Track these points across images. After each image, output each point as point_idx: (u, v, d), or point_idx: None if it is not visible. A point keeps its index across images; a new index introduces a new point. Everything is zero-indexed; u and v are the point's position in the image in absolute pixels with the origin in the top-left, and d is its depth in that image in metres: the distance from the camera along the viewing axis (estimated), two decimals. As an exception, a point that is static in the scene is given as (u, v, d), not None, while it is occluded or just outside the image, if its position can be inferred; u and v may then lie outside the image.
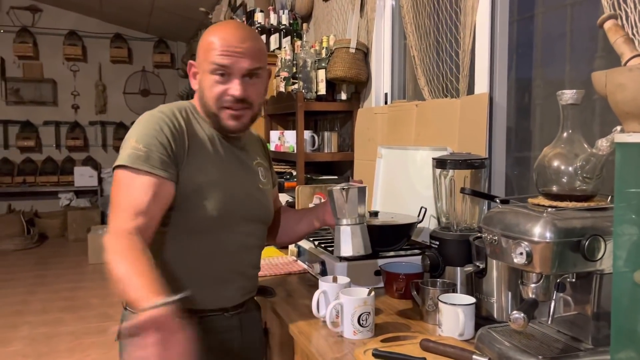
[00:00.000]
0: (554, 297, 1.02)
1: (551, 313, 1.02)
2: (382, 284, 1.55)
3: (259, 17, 3.16)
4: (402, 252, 1.67)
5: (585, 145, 1.02)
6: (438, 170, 1.46)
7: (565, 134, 1.04)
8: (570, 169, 1.00)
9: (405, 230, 1.68)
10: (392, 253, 1.65)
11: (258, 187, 1.37)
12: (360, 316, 1.22)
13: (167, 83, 8.01)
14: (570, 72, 1.56)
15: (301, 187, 2.33)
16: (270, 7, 3.27)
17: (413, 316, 1.38)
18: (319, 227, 1.51)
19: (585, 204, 1.00)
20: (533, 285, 1.01)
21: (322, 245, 1.75)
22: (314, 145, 2.60)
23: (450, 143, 1.75)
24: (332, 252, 1.63)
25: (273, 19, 3.15)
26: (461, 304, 1.22)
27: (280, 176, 2.71)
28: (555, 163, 1.02)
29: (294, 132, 2.56)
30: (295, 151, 2.53)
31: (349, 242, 1.37)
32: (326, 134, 2.62)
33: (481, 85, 1.76)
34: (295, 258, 1.94)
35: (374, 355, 1.09)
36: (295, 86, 2.63)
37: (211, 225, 1.24)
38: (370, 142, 2.32)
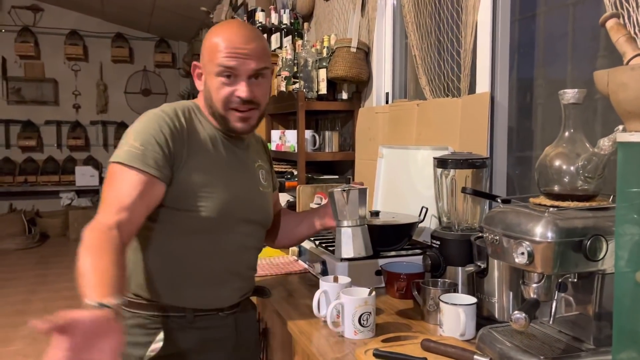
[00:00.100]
0: (555, 297, 1.02)
1: (553, 313, 1.02)
2: (383, 284, 1.55)
3: (260, 16, 3.16)
4: (403, 252, 1.67)
5: (587, 145, 1.01)
6: (439, 170, 1.46)
7: (567, 134, 1.03)
8: (572, 168, 1.00)
9: (407, 230, 1.68)
10: (393, 253, 1.65)
11: (258, 190, 1.37)
12: (361, 316, 1.21)
13: (168, 83, 8.01)
14: (572, 72, 1.55)
15: (302, 186, 2.33)
16: (272, 7, 3.27)
17: (414, 316, 1.38)
18: (320, 230, 1.50)
19: (587, 204, 1.00)
20: (534, 285, 1.01)
21: (323, 245, 1.75)
22: (315, 144, 2.60)
23: (451, 142, 1.75)
24: (333, 251, 1.63)
25: (274, 19, 3.15)
26: (462, 304, 1.22)
27: (281, 176, 2.71)
28: (557, 163, 1.02)
29: (295, 131, 2.55)
30: (296, 151, 2.53)
31: (350, 243, 1.37)
32: (327, 133, 2.62)
33: (482, 84, 1.76)
34: (296, 258, 1.94)
35: (374, 355, 1.08)
36: (296, 85, 2.63)
37: (210, 226, 1.24)
38: (371, 142, 2.32)
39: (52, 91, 7.44)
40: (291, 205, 2.42)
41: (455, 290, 1.34)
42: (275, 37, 3.13)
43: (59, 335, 0.77)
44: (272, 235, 1.54)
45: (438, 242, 1.42)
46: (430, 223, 1.71)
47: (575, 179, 1.00)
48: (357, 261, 1.53)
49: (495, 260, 1.23)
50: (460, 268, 1.37)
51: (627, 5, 1.20)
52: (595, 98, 1.40)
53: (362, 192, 1.39)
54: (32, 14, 7.23)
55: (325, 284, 1.33)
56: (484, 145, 1.63)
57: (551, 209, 0.98)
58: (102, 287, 0.91)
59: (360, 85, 2.54)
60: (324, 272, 1.61)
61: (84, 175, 7.14)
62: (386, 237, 1.65)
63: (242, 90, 1.23)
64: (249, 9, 3.61)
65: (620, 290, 0.84)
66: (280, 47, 3.06)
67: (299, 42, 2.76)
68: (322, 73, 2.49)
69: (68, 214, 6.96)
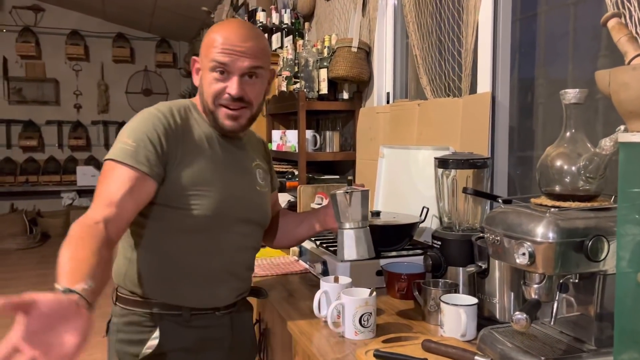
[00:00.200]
0: (556, 298, 1.01)
1: (554, 314, 1.02)
2: (383, 284, 1.55)
3: (260, 16, 3.16)
4: (404, 252, 1.67)
5: (589, 145, 1.01)
6: (440, 170, 1.45)
7: (568, 134, 1.03)
8: (573, 168, 0.99)
9: (407, 230, 1.68)
10: (394, 253, 1.65)
11: (255, 189, 1.36)
12: (361, 316, 1.21)
13: (169, 83, 8.02)
14: (574, 71, 1.55)
15: (303, 186, 2.33)
16: (272, 6, 3.27)
17: (415, 317, 1.37)
18: (320, 231, 1.50)
19: (589, 204, 0.99)
20: (536, 285, 1.01)
21: (324, 245, 1.75)
22: (315, 144, 2.59)
23: (452, 142, 1.74)
24: (334, 252, 1.63)
25: (275, 18, 3.15)
26: (463, 305, 1.21)
27: (282, 176, 2.71)
28: (558, 163, 1.01)
29: (296, 131, 2.55)
30: (297, 151, 2.53)
31: (353, 246, 1.37)
32: (328, 133, 2.62)
33: (484, 84, 1.75)
34: (296, 258, 1.94)
35: (375, 356, 1.08)
36: (297, 85, 2.63)
37: (206, 225, 1.24)
38: (372, 142, 2.32)
39: (53, 91, 7.44)
40: (292, 206, 2.42)
41: (456, 291, 1.34)
42: (276, 37, 3.12)
43: (21, 316, 0.75)
44: (271, 236, 1.54)
45: (439, 243, 1.41)
46: (431, 223, 1.70)
47: (577, 179, 0.99)
48: (358, 261, 1.53)
49: (496, 261, 1.23)
50: (461, 268, 1.36)
51: (628, 4, 1.19)
52: (597, 98, 1.40)
53: (365, 194, 1.39)
54: (33, 14, 7.23)
55: (325, 284, 1.33)
56: (485, 145, 1.63)
57: (552, 209, 0.98)
58: (75, 275, 0.89)
59: (361, 85, 2.54)
60: (325, 273, 1.61)
61: (85, 175, 7.14)
62: (387, 237, 1.65)
63: (232, 87, 1.23)
64: (250, 9, 3.61)
65: (622, 291, 0.84)
66: (281, 47, 3.06)
67: (300, 42, 2.76)
68: (323, 73, 2.49)
69: (69, 214, 6.95)
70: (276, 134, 2.84)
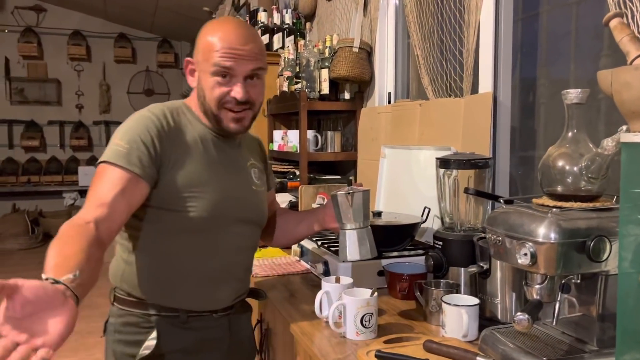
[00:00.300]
0: (558, 298, 1.01)
1: (556, 314, 1.01)
2: (385, 285, 1.54)
3: (262, 16, 3.16)
4: (406, 253, 1.66)
5: (591, 145, 1.01)
6: (442, 170, 1.45)
7: (570, 134, 1.03)
8: (575, 168, 0.99)
9: (409, 230, 1.67)
10: (395, 253, 1.64)
11: (251, 188, 1.36)
12: (363, 317, 1.21)
13: (170, 83, 8.03)
14: (575, 71, 1.55)
15: (304, 186, 2.33)
16: (274, 7, 3.27)
17: (416, 317, 1.37)
18: (319, 231, 1.50)
19: (591, 205, 0.99)
20: (537, 286, 1.00)
21: (325, 246, 1.74)
22: (317, 144, 2.59)
23: (454, 143, 1.74)
24: (335, 252, 1.63)
25: (276, 18, 3.15)
26: (465, 305, 1.21)
27: (284, 176, 2.71)
28: (560, 163, 1.01)
29: (297, 131, 2.55)
30: (298, 151, 2.53)
31: (355, 246, 1.37)
32: (329, 133, 2.62)
33: (485, 84, 1.75)
34: (298, 258, 1.94)
35: (376, 356, 1.08)
36: (299, 85, 2.63)
37: (202, 226, 1.23)
38: (374, 142, 2.32)
39: (55, 91, 7.45)
40: (293, 206, 2.42)
41: (458, 291, 1.33)
42: (277, 37, 3.12)
43: (4, 300, 0.75)
44: (269, 234, 1.54)
45: (440, 243, 1.41)
46: (433, 223, 1.70)
47: (579, 179, 0.99)
48: (360, 262, 1.53)
49: (498, 261, 1.23)
50: (462, 269, 1.36)
51: (630, 4, 1.19)
52: (599, 98, 1.40)
53: (366, 194, 1.39)
54: (35, 14, 7.24)
55: (327, 284, 1.33)
56: (487, 146, 1.62)
57: (554, 209, 0.97)
58: (61, 268, 0.87)
59: (363, 85, 2.54)
60: (326, 273, 1.61)
61: (87, 176, 7.14)
62: (388, 237, 1.65)
63: (237, 91, 1.22)
64: (251, 9, 3.61)
65: (624, 291, 0.84)
66: (283, 47, 3.06)
67: (301, 42, 2.76)
68: (325, 73, 2.49)
69: (71, 214, 6.93)
70: (277, 134, 2.84)
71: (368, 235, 1.39)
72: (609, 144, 0.93)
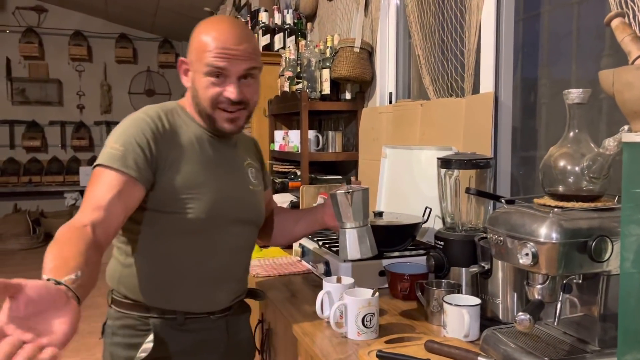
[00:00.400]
0: (560, 299, 1.01)
1: (557, 314, 1.01)
2: (386, 285, 1.54)
3: (263, 16, 3.16)
4: (407, 253, 1.66)
5: (592, 145, 1.00)
6: (443, 170, 1.45)
7: (571, 134, 1.03)
8: (576, 169, 0.99)
9: (410, 230, 1.67)
10: (396, 253, 1.64)
11: (248, 189, 1.36)
12: (364, 317, 1.21)
13: (172, 83, 8.03)
14: (577, 71, 1.54)
15: (305, 187, 2.33)
16: (275, 7, 3.27)
17: (417, 317, 1.37)
18: (318, 229, 1.50)
19: (592, 205, 0.99)
20: (539, 286, 1.00)
21: (327, 246, 1.74)
22: (318, 145, 2.59)
23: (455, 143, 1.74)
24: (336, 252, 1.63)
25: (277, 19, 3.15)
26: (466, 305, 1.21)
27: (285, 176, 2.71)
28: (562, 163, 1.01)
29: (298, 131, 2.55)
30: (299, 151, 2.53)
31: (355, 245, 1.37)
32: (330, 133, 2.62)
33: (486, 84, 1.75)
34: (299, 258, 1.94)
35: (378, 356, 1.08)
36: (300, 86, 2.63)
37: (201, 227, 1.23)
38: (375, 142, 2.31)
39: (56, 92, 7.46)
40: (294, 206, 2.42)
41: (459, 291, 1.33)
42: (278, 38, 3.12)
43: (8, 300, 0.74)
44: (266, 233, 1.53)
45: (442, 243, 1.41)
46: (434, 223, 1.70)
47: (580, 179, 0.99)
48: (361, 262, 1.53)
49: (500, 261, 1.23)
50: (464, 269, 1.36)
51: (632, 4, 1.19)
52: (600, 98, 1.39)
53: (365, 193, 1.38)
54: (36, 14, 7.25)
55: (328, 284, 1.33)
56: (488, 146, 1.62)
57: (556, 209, 0.97)
58: (60, 270, 0.86)
59: (364, 85, 2.54)
60: (327, 273, 1.61)
61: (88, 176, 6.94)
62: (390, 237, 1.65)
63: (231, 91, 1.22)
64: (252, 9, 3.61)
65: (626, 292, 0.84)
66: (284, 47, 3.06)
67: (302, 42, 2.76)
68: (326, 73, 2.49)
69: (72, 214, 6.93)
70: (279, 134, 2.84)
71: (368, 233, 1.39)
72: (610, 144, 0.93)
